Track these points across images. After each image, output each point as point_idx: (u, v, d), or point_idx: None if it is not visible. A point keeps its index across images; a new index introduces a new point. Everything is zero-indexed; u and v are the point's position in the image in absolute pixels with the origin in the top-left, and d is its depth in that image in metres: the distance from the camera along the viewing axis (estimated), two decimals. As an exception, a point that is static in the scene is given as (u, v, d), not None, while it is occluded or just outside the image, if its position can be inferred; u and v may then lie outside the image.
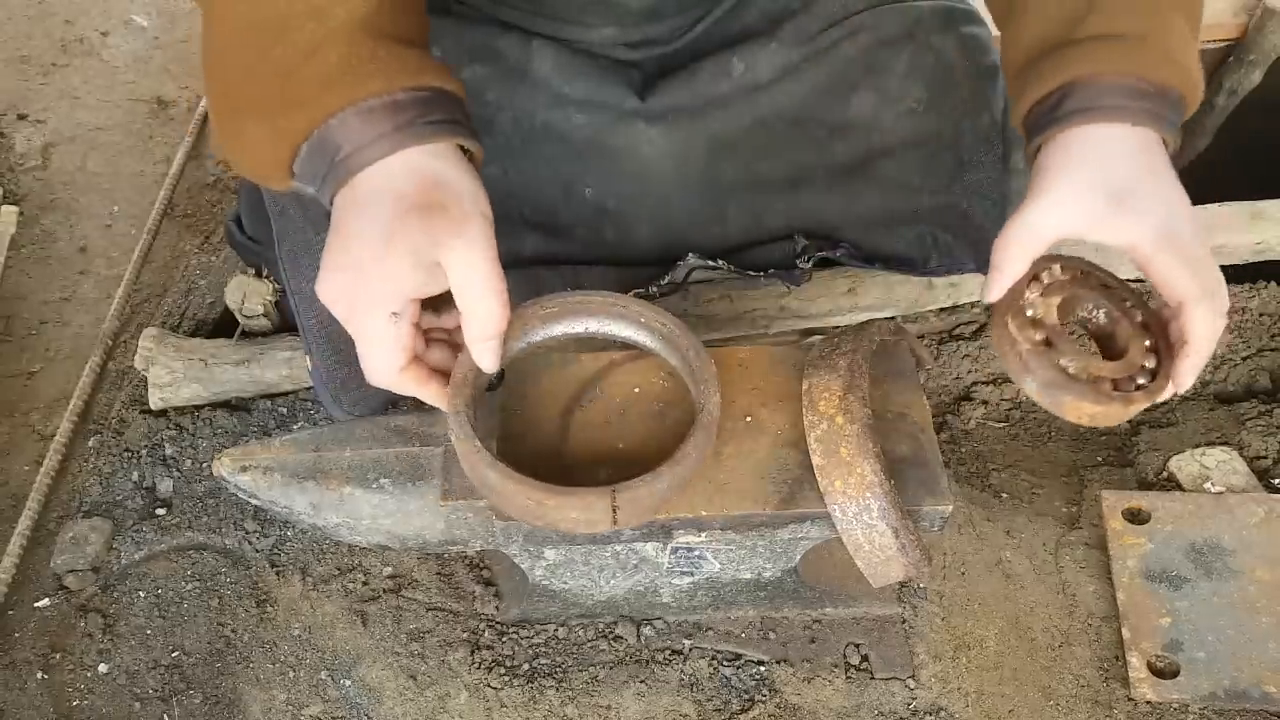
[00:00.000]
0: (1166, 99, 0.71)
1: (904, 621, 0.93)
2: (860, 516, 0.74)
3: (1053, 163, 0.71)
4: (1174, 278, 0.69)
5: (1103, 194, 0.69)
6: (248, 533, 1.01)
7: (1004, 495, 1.03)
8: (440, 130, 0.66)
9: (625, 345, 0.83)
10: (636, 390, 0.85)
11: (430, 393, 0.72)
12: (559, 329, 0.81)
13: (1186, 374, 0.72)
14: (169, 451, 1.07)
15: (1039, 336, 0.75)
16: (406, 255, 0.65)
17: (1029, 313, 0.77)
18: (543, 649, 0.92)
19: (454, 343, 0.74)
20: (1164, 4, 0.72)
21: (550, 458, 0.80)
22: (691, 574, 0.89)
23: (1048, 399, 0.73)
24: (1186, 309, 0.70)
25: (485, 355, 0.70)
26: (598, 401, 0.84)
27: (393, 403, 1.06)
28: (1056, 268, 0.79)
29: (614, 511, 0.71)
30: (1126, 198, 0.69)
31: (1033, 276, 0.78)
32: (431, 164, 0.66)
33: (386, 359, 0.68)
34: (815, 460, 0.76)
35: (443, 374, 0.73)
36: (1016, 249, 0.72)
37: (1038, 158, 0.73)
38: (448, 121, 0.67)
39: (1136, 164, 0.70)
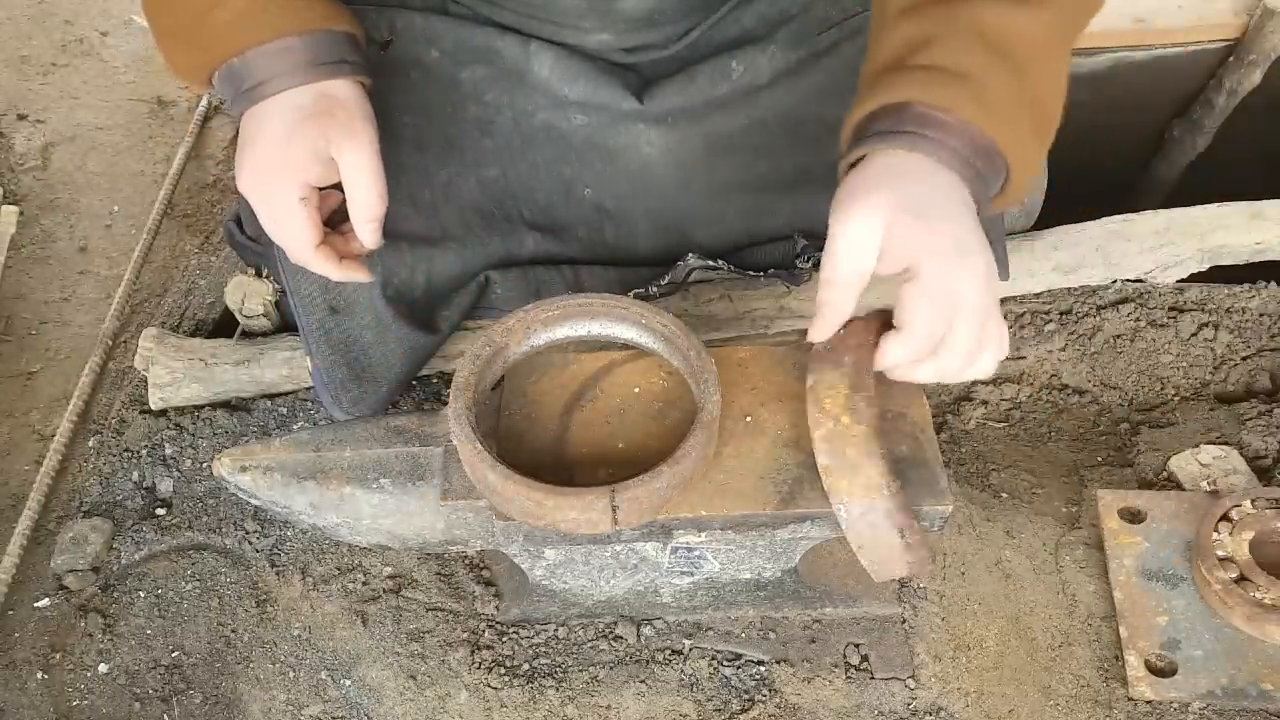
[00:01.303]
0: (967, 137, 0.70)
1: (904, 621, 0.93)
2: (865, 517, 0.74)
3: (849, 183, 0.72)
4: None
5: (906, 204, 0.69)
6: (248, 533, 1.01)
7: (1004, 495, 1.03)
8: (329, 70, 0.80)
9: (627, 346, 0.83)
10: (636, 390, 0.85)
11: (337, 270, 0.84)
12: (561, 332, 0.82)
13: (887, 351, 0.72)
14: (169, 451, 1.07)
15: (1232, 575, 0.85)
16: (307, 150, 0.79)
17: (1219, 553, 0.87)
18: (543, 649, 0.92)
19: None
20: (1001, 58, 0.72)
21: (550, 458, 0.81)
22: (691, 574, 0.90)
23: (1256, 631, 0.85)
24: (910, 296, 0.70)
25: (368, 234, 0.84)
26: (598, 401, 0.84)
27: (393, 403, 1.06)
28: (1246, 503, 0.86)
29: (614, 511, 0.71)
30: (922, 208, 0.69)
31: (1222, 516, 0.89)
32: (324, 87, 0.80)
33: (301, 235, 0.82)
34: (820, 460, 0.75)
35: (349, 255, 0.86)
36: (850, 280, 0.72)
37: (845, 178, 0.74)
38: (335, 62, 0.81)
39: (933, 193, 0.70)
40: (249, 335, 1.16)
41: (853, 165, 0.74)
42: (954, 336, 0.70)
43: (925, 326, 0.70)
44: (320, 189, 0.83)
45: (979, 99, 0.70)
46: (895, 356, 0.72)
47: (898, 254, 0.70)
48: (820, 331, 0.74)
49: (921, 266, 0.69)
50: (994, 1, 0.73)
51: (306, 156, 0.79)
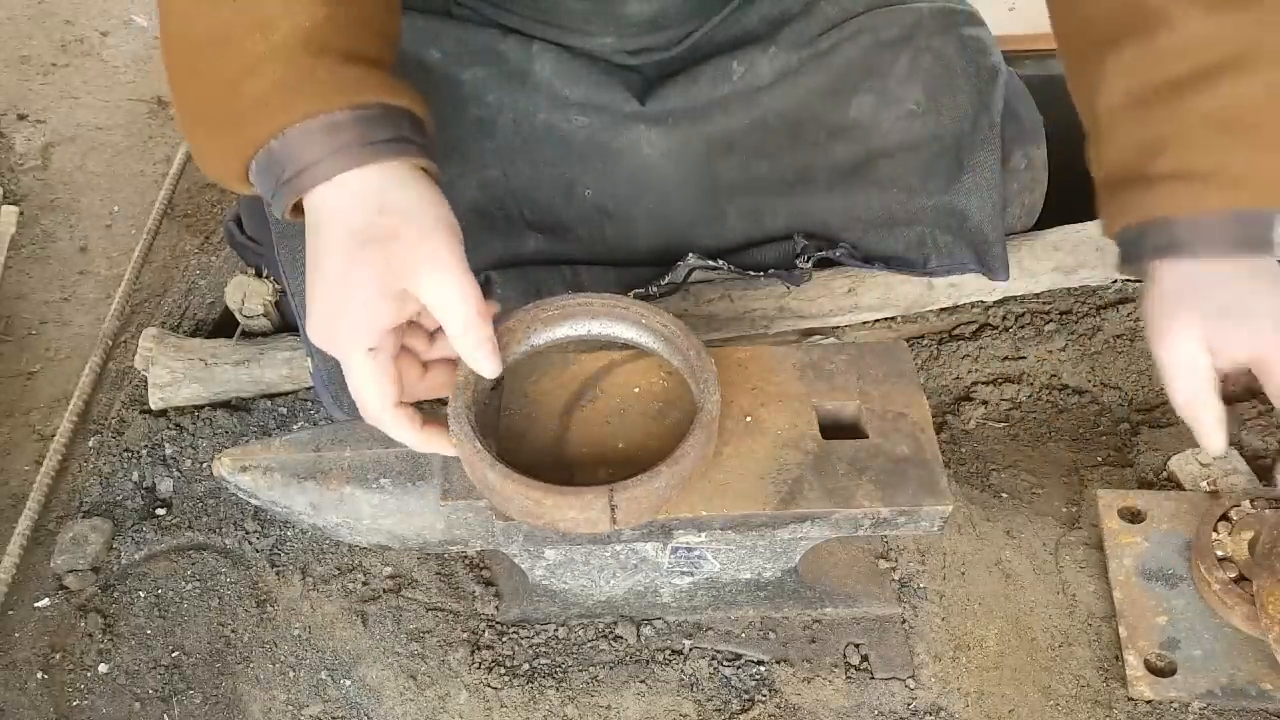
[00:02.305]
0: (1248, 220, 0.71)
1: (904, 621, 0.93)
2: None
3: (1151, 304, 0.74)
4: None
5: (1212, 315, 0.71)
6: (248, 533, 1.01)
7: (1004, 495, 1.03)
8: (382, 151, 0.65)
9: (627, 346, 0.83)
10: (636, 390, 0.85)
11: (415, 438, 0.70)
12: (561, 331, 0.82)
13: None
14: (169, 451, 1.07)
15: (1232, 575, 0.86)
16: (369, 290, 0.64)
17: (1219, 553, 0.87)
18: (543, 649, 0.92)
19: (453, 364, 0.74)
20: (1238, 135, 0.72)
21: (550, 458, 0.80)
22: (691, 574, 0.89)
23: (1256, 631, 0.84)
24: None
25: (482, 363, 0.69)
26: (598, 401, 0.84)
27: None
28: (1246, 504, 0.87)
29: (612, 511, 0.71)
30: (1231, 311, 0.71)
31: (1221, 516, 0.89)
32: (377, 188, 0.64)
33: (371, 393, 0.67)
34: None
35: (437, 424, 0.72)
36: (1201, 395, 0.74)
37: (1144, 298, 0.77)
38: (392, 140, 0.65)
39: (1234, 288, 0.72)
40: (249, 335, 1.16)
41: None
42: None
43: None
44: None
45: (1234, 184, 0.71)
46: None
47: (1232, 355, 0.72)
48: (1217, 442, 0.77)
49: (1265, 359, 0.71)
50: (1209, 78, 0.71)
51: (370, 299, 0.64)
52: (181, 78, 0.69)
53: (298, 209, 0.68)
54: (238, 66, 0.64)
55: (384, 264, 0.63)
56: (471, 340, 0.67)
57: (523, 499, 0.71)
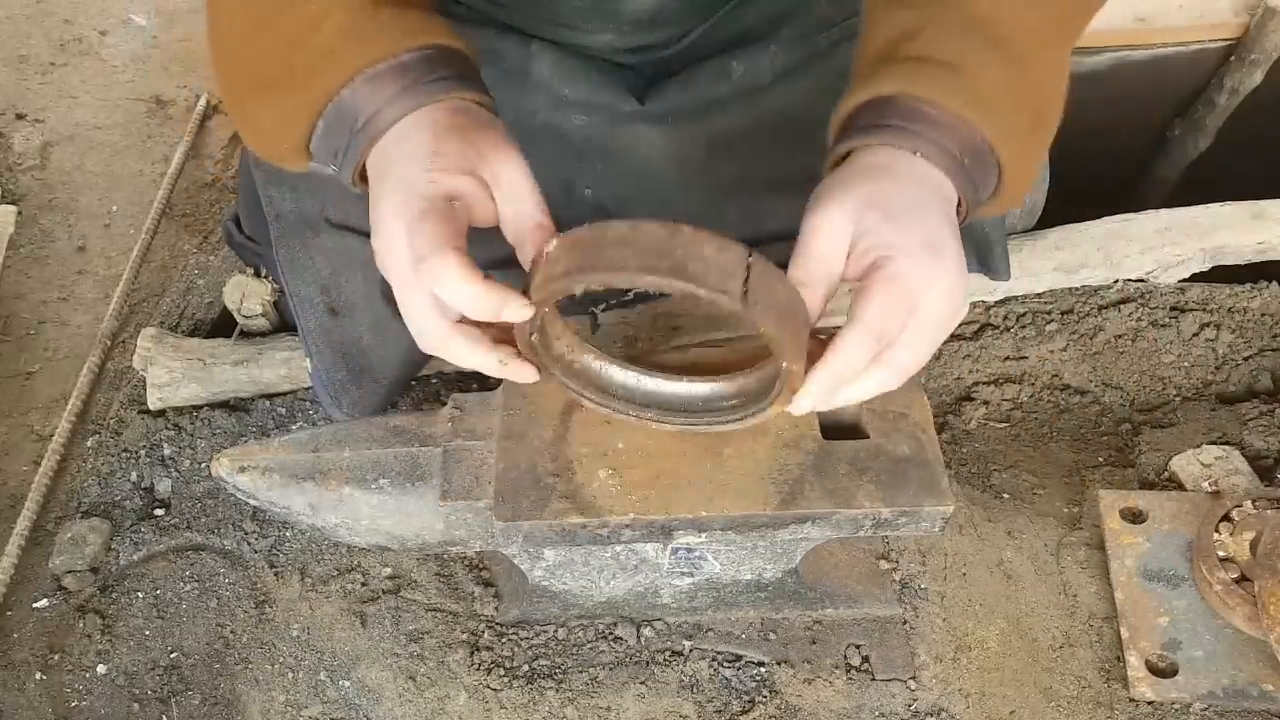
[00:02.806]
0: (955, 132, 0.67)
1: (905, 622, 0.92)
2: None
3: (829, 183, 0.69)
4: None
5: (875, 210, 0.66)
6: (246, 533, 1.01)
7: (1005, 496, 1.02)
8: (450, 85, 0.66)
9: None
10: (636, 390, 0.84)
11: (491, 355, 0.66)
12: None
13: (812, 379, 0.65)
14: (167, 452, 1.07)
15: (1233, 575, 0.86)
16: (456, 167, 0.63)
17: (1220, 554, 0.87)
18: (542, 650, 0.92)
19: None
20: (996, 47, 0.68)
21: (550, 458, 0.80)
22: (692, 575, 0.89)
23: (1257, 631, 0.84)
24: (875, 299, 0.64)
25: (539, 241, 0.66)
26: (598, 402, 0.84)
27: (392, 403, 1.06)
28: (1248, 504, 0.86)
29: (746, 278, 0.61)
30: (896, 216, 0.65)
31: (1223, 516, 0.88)
32: (453, 109, 0.66)
33: (465, 295, 0.63)
34: None
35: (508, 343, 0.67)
36: (812, 289, 0.66)
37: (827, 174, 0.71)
38: (455, 77, 0.67)
39: (907, 188, 0.67)
40: (248, 335, 1.16)
41: (838, 161, 0.72)
42: (900, 345, 0.65)
43: (879, 320, 0.64)
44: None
45: (969, 91, 0.67)
46: (852, 354, 0.64)
47: (866, 251, 0.66)
48: (806, 385, 0.68)
49: (887, 262, 0.65)
50: None
51: (456, 174, 0.64)
52: (237, 48, 0.69)
53: (363, 177, 0.68)
54: (301, 22, 0.65)
55: (470, 144, 0.64)
56: (531, 222, 0.66)
57: (657, 233, 0.61)
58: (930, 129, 0.67)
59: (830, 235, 0.66)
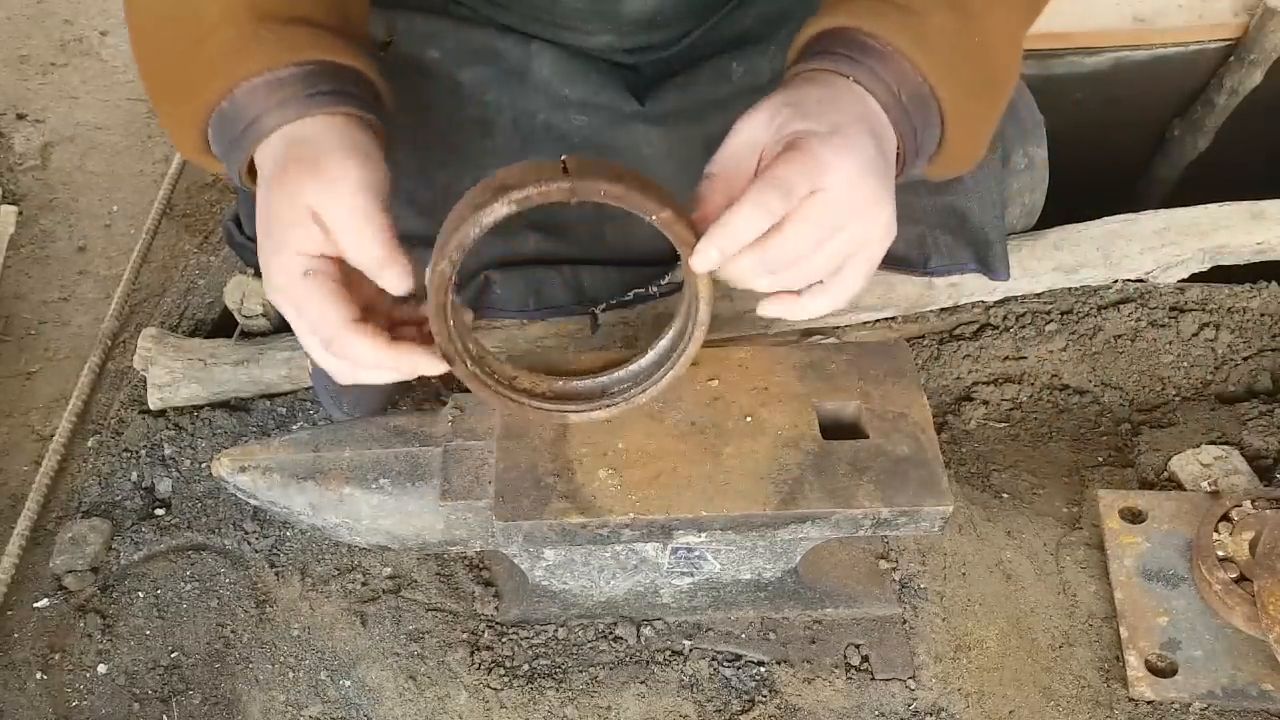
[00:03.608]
0: (899, 71, 0.68)
1: (904, 622, 0.92)
2: None
3: (768, 100, 0.68)
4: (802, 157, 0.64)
5: (791, 107, 0.66)
6: (247, 533, 1.01)
7: (1004, 495, 1.02)
8: (321, 101, 0.67)
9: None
10: (636, 390, 0.85)
11: (385, 354, 0.66)
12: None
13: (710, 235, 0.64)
14: (168, 452, 1.07)
15: (1232, 575, 0.86)
16: (285, 210, 0.64)
17: (1220, 553, 0.87)
18: (542, 650, 0.92)
19: (424, 333, 0.70)
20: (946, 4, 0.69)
21: (550, 457, 0.80)
22: (691, 574, 0.89)
23: (1256, 631, 0.85)
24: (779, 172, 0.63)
25: (390, 282, 0.66)
26: (598, 402, 0.84)
27: (392, 402, 1.06)
28: (1247, 504, 0.87)
29: (564, 168, 0.65)
30: (808, 112, 0.66)
31: (1222, 516, 0.88)
32: (304, 131, 0.67)
33: (318, 314, 0.65)
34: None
35: (406, 340, 0.68)
36: (718, 178, 0.66)
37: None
38: (333, 92, 0.68)
39: (836, 103, 0.67)
40: (248, 335, 1.16)
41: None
42: (798, 219, 0.63)
43: (781, 172, 0.63)
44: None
45: (915, 32, 0.68)
46: (752, 203, 0.62)
47: (779, 141, 0.66)
48: (702, 260, 0.65)
49: (796, 139, 0.65)
50: None
51: (289, 221, 0.65)
52: (146, 52, 0.73)
53: (254, 174, 0.70)
54: (194, 34, 0.69)
55: (296, 184, 0.64)
56: (372, 264, 0.65)
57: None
58: (871, 59, 0.68)
59: (743, 132, 0.67)
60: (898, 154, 0.70)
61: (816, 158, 0.63)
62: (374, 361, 0.67)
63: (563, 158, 0.64)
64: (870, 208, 0.65)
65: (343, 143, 0.67)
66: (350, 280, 0.67)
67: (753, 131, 0.67)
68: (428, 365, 0.68)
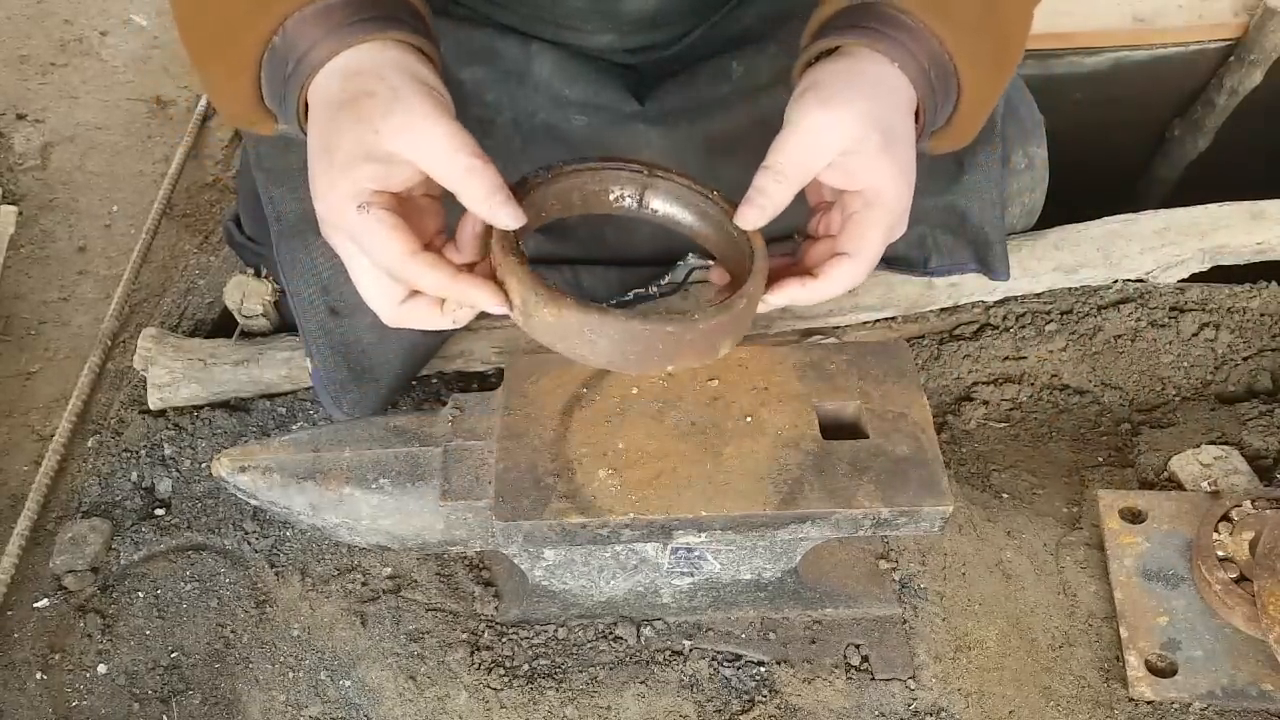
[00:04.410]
0: (926, 45, 0.69)
1: (904, 622, 0.92)
2: None
3: (825, 79, 0.69)
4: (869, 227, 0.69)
5: (877, 131, 0.67)
6: (247, 533, 1.01)
7: (1004, 495, 1.02)
8: (371, 27, 0.65)
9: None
10: (636, 390, 0.85)
11: (449, 284, 0.64)
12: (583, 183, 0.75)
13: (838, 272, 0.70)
14: (168, 452, 1.07)
15: (1232, 575, 0.86)
16: (351, 144, 0.62)
17: (1220, 553, 0.87)
18: (542, 650, 0.92)
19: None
20: None
21: (550, 457, 0.80)
22: (691, 575, 0.89)
23: (1256, 631, 0.84)
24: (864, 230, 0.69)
25: (497, 211, 0.64)
26: (598, 401, 0.84)
27: (392, 403, 1.06)
28: (1247, 504, 0.87)
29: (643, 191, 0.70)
30: (893, 144, 0.68)
31: (1222, 516, 0.88)
32: (359, 63, 0.64)
33: (380, 247, 0.62)
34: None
35: (471, 273, 0.66)
36: (799, 167, 0.67)
37: (809, 70, 0.72)
38: (381, 18, 0.66)
39: (897, 111, 0.69)
40: (248, 335, 1.16)
41: (814, 60, 0.72)
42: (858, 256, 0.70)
43: (875, 254, 0.69)
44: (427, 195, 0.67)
45: (943, 8, 0.69)
46: (847, 282, 0.70)
47: (859, 174, 0.67)
48: (750, 220, 0.68)
49: (884, 194, 0.68)
50: None
51: (360, 150, 0.62)
52: (189, 13, 0.71)
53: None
54: None
55: (361, 123, 0.62)
56: (477, 195, 0.63)
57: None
58: (907, 37, 0.69)
59: (827, 134, 0.67)
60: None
61: (900, 224, 0.70)
62: (439, 289, 0.64)
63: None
64: (905, 212, 0.71)
65: (415, 74, 0.64)
66: (409, 218, 0.65)
67: (832, 136, 0.66)
68: (489, 301, 0.66)
